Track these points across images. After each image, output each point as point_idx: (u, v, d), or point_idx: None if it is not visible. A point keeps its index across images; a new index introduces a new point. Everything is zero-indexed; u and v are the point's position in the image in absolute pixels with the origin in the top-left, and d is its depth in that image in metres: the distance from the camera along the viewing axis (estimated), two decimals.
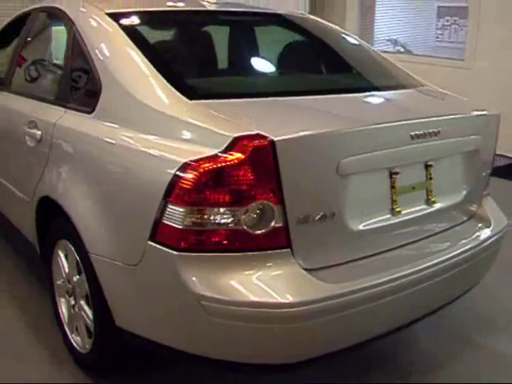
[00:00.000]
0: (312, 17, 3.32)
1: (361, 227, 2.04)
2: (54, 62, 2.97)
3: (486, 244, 2.39)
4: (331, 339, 1.97)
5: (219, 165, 1.77)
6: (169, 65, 2.36)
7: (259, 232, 1.81)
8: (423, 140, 2.13)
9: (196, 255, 1.82)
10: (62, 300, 2.58)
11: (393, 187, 2.14)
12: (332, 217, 1.94)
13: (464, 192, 2.43)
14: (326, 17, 3.51)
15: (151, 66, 2.17)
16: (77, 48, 2.53)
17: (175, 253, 1.81)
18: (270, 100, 2.20)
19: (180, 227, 1.79)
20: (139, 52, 2.24)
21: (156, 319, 2.01)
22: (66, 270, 2.48)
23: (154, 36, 2.67)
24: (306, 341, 1.90)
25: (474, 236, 2.41)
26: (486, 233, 2.44)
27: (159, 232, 1.85)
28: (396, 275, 2.02)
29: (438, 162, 2.28)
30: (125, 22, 2.48)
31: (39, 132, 2.61)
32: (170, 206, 1.81)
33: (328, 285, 1.87)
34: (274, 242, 1.84)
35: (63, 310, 2.58)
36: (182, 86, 2.11)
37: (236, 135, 1.79)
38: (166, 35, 2.82)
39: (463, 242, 2.33)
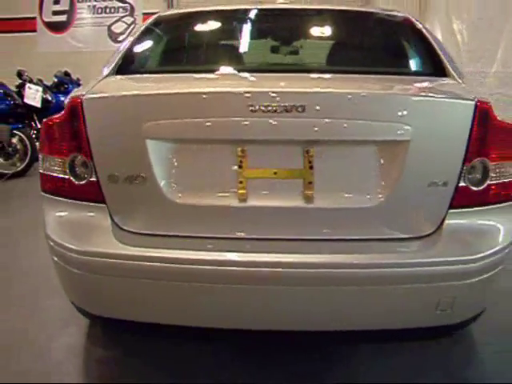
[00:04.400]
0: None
1: (187, 201, 1.93)
2: None
3: (403, 272, 1.80)
4: (130, 303, 1.95)
5: (52, 121, 2.06)
6: (139, 53, 2.59)
7: (81, 183, 2.00)
8: (276, 115, 1.80)
9: (47, 196, 2.10)
10: None
11: (240, 166, 1.91)
12: (143, 182, 1.93)
13: (379, 196, 1.88)
14: None
15: (122, 54, 2.45)
16: None
17: (42, 193, 2.13)
18: (171, 76, 2.32)
19: (40, 171, 2.13)
20: (129, 42, 2.56)
21: None
22: None
23: (163, 33, 2.92)
24: (99, 294, 1.98)
25: (383, 257, 1.83)
26: (408, 259, 1.83)
27: None
28: (211, 258, 1.82)
29: (323, 147, 1.88)
30: (156, 21, 2.84)
31: None
32: None
33: (121, 245, 1.90)
34: (92, 195, 2.00)
35: None
36: (127, 65, 2.39)
37: (72, 95, 2.05)
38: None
39: (355, 259, 1.81)
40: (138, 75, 2.39)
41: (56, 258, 2.02)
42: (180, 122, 1.90)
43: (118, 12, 10.86)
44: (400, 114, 1.84)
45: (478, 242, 1.90)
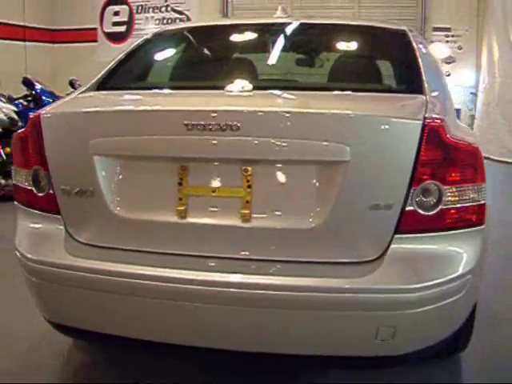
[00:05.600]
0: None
1: (130, 216, 1.98)
2: None
3: (330, 298, 1.73)
4: (81, 312, 2.01)
5: (19, 134, 2.19)
6: (125, 69, 2.65)
7: (41, 194, 2.11)
8: (212, 133, 1.80)
9: (17, 206, 2.24)
10: None
11: (180, 184, 1.93)
12: (92, 196, 2.00)
13: (317, 218, 1.81)
14: None
15: (108, 69, 2.58)
16: None
17: (15, 203, 2.27)
18: (144, 92, 2.47)
19: (13, 182, 2.29)
20: (127, 58, 2.67)
21: None
22: None
23: (155, 48, 2.94)
24: (53, 301, 2.08)
25: (316, 281, 1.75)
26: (342, 285, 1.74)
27: None
28: (147, 273, 1.83)
29: (262, 166, 1.85)
30: (151, 37, 2.90)
31: None
32: None
33: (68, 255, 1.98)
34: (50, 207, 2.10)
35: None
36: (110, 80, 2.49)
37: (39, 111, 2.16)
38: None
39: (288, 281, 1.74)
40: (116, 91, 2.43)
41: (21, 267, 2.12)
42: (123, 140, 1.98)
43: (174, 22, 11.09)
44: (338, 133, 1.77)
45: (423, 271, 1.79)
